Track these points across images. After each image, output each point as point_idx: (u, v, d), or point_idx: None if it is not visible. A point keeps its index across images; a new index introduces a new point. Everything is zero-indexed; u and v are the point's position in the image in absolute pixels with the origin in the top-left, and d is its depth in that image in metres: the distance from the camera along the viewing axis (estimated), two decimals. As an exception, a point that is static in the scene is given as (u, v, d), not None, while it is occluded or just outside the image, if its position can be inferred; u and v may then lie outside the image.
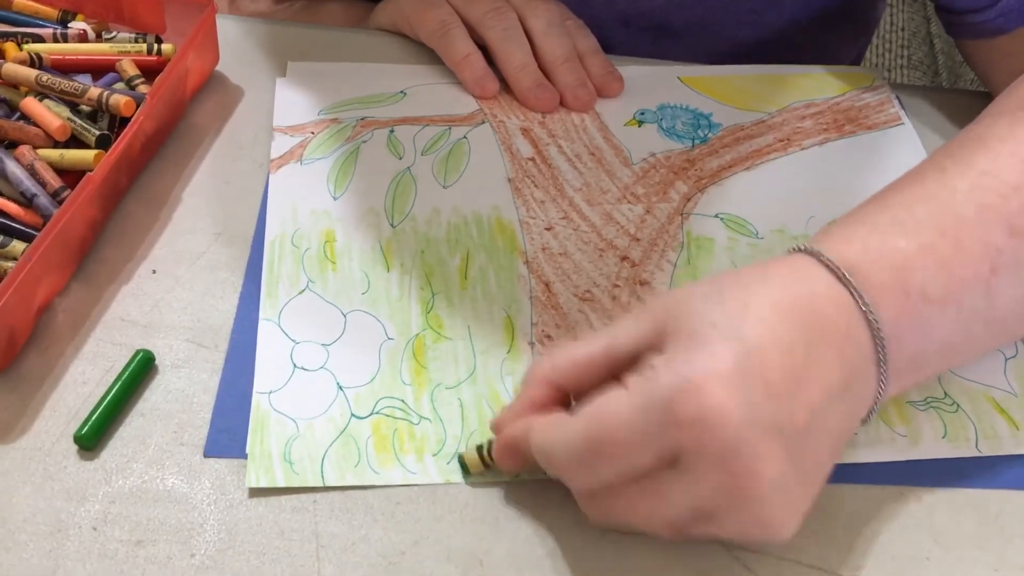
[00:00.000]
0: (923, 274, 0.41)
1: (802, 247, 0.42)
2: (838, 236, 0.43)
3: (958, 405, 0.47)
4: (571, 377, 0.42)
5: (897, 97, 0.63)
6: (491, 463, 0.43)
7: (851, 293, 0.40)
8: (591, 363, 0.41)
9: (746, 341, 0.37)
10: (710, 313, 0.39)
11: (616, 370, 0.40)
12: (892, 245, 0.42)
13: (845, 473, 0.44)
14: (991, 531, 0.43)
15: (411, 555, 0.41)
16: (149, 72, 0.59)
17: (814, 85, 0.64)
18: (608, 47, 0.65)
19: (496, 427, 0.43)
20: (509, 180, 0.57)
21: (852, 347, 0.40)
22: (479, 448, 0.43)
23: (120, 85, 0.59)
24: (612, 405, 0.38)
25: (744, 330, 0.38)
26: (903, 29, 1.51)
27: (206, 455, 0.44)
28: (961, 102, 0.64)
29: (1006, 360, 0.49)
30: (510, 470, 0.43)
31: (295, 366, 0.47)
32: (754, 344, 0.38)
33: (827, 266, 0.41)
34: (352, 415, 0.45)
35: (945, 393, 0.48)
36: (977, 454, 0.45)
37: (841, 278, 0.40)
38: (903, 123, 0.61)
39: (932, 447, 0.45)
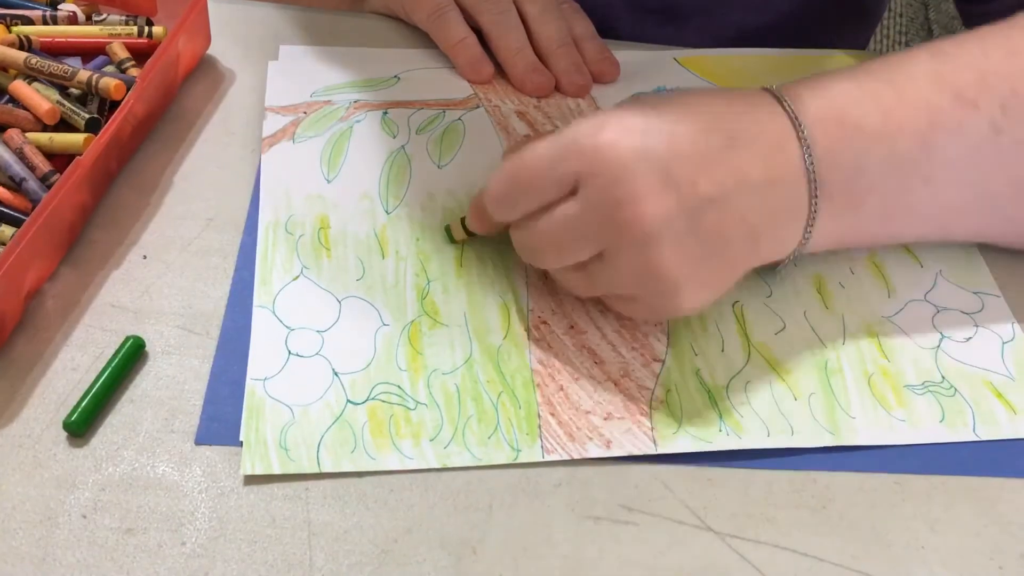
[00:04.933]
0: (860, 110, 0.45)
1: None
2: (794, 81, 0.46)
3: (956, 389, 0.47)
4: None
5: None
6: (469, 228, 0.50)
7: (787, 114, 0.44)
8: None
9: (663, 115, 0.43)
10: (646, 99, 0.44)
11: None
12: (837, 86, 0.46)
13: (841, 460, 0.44)
14: (988, 519, 0.43)
15: (403, 542, 0.41)
16: (139, 55, 0.59)
17: (813, 67, 0.64)
18: (613, 30, 0.64)
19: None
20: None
21: (780, 156, 0.43)
22: (462, 220, 0.50)
23: (110, 68, 0.58)
24: (532, 145, 0.44)
25: (664, 108, 0.43)
26: (901, 16, 1.50)
27: (197, 442, 0.43)
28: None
29: (1003, 344, 0.49)
30: (482, 231, 0.50)
31: (290, 353, 0.46)
32: (671, 118, 0.43)
33: (772, 94, 0.45)
34: (348, 401, 0.45)
35: (943, 377, 0.47)
36: (975, 438, 0.45)
37: (780, 100, 0.44)
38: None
39: (930, 431, 0.45)
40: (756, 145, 0.43)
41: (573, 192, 0.43)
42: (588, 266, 0.44)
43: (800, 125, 0.44)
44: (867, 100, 0.45)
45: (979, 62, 0.46)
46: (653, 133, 0.42)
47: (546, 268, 0.47)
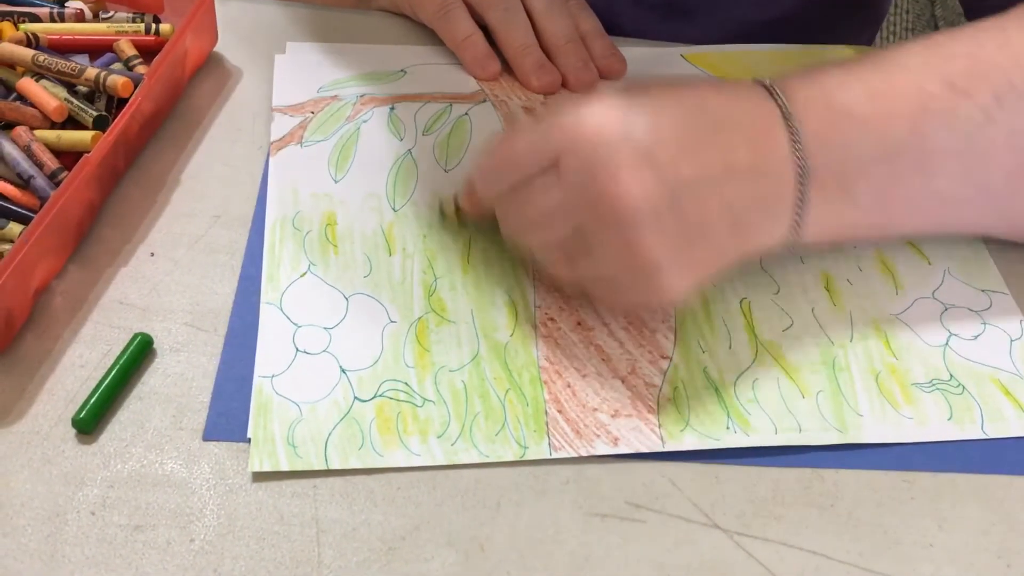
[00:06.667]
0: (849, 95, 0.44)
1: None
2: (785, 73, 0.46)
3: (964, 387, 0.47)
4: None
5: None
6: (461, 208, 0.51)
7: (775, 101, 0.44)
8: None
9: (649, 98, 0.43)
10: (634, 84, 0.45)
11: None
12: (826, 73, 0.45)
13: (849, 458, 0.44)
14: (995, 517, 0.43)
15: (411, 540, 0.41)
16: (147, 52, 0.59)
17: (820, 62, 0.63)
18: (617, 25, 0.64)
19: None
20: (511, 160, 0.56)
21: (768, 142, 0.43)
22: (455, 197, 0.51)
23: (118, 65, 0.58)
24: (519, 127, 0.46)
25: (651, 93, 0.43)
26: (907, 12, 1.50)
27: (205, 439, 0.43)
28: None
29: (1011, 342, 0.49)
30: (471, 210, 0.50)
31: (297, 350, 0.46)
32: (656, 102, 0.43)
33: (762, 84, 0.45)
34: (355, 398, 0.45)
35: (951, 375, 0.47)
36: (983, 436, 0.45)
37: (770, 90, 0.44)
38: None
39: (938, 429, 0.45)
40: (742, 131, 0.43)
41: (552, 167, 0.43)
42: (569, 246, 0.44)
43: (788, 111, 0.43)
44: (856, 85, 0.45)
45: (972, 52, 0.46)
46: (636, 114, 0.42)
47: (529, 245, 0.47)
